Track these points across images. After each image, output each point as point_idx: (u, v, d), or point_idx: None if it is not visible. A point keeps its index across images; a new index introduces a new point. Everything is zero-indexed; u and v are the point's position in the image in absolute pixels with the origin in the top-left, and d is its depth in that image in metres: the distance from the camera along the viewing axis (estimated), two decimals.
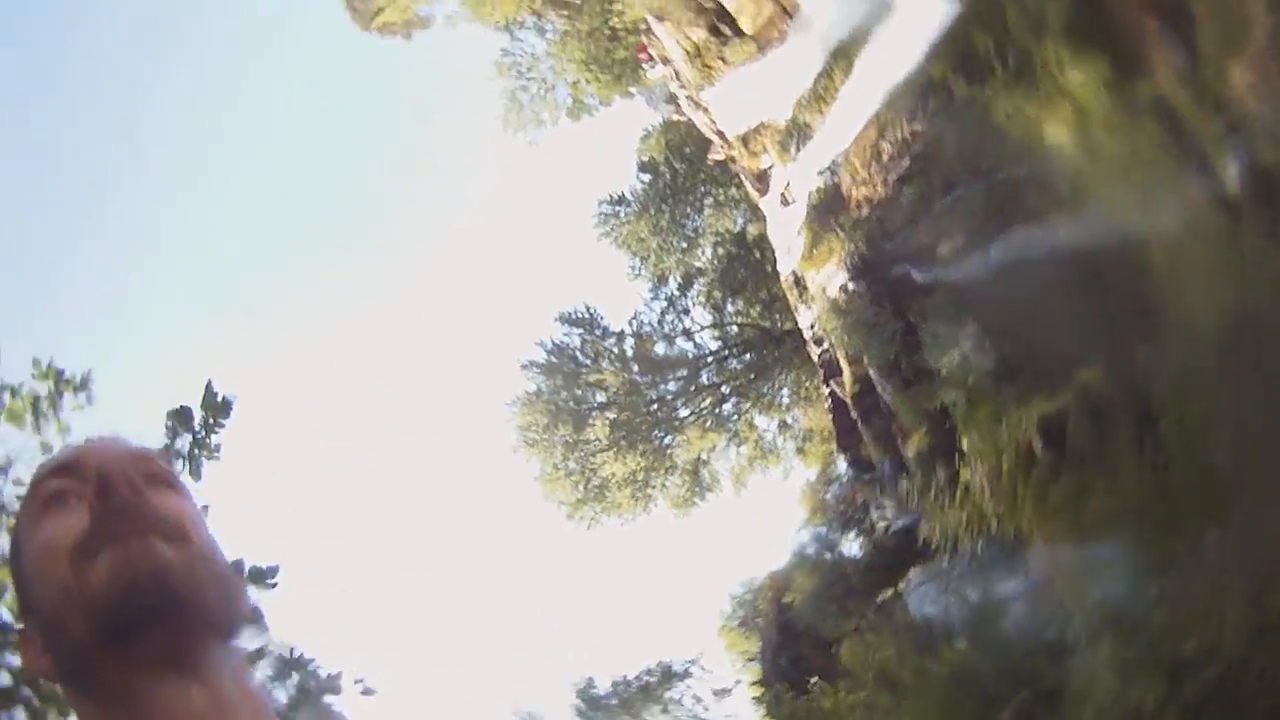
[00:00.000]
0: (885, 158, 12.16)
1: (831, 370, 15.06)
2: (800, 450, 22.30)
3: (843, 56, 12.12)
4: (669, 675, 16.49)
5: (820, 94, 13.91)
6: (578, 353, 24.26)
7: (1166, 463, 8.26)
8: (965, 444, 11.04)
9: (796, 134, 15.26)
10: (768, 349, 21.91)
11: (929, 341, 11.63)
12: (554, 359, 24.18)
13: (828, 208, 13.67)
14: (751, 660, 16.54)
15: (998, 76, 8.47)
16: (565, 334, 24.40)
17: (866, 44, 11.45)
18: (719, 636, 18.65)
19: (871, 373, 13.35)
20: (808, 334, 15.76)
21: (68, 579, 0.88)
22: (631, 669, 17.27)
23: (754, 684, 16.15)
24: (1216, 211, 6.12)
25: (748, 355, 22.88)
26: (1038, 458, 10.70)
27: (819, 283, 14.15)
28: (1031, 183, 8.60)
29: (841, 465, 16.74)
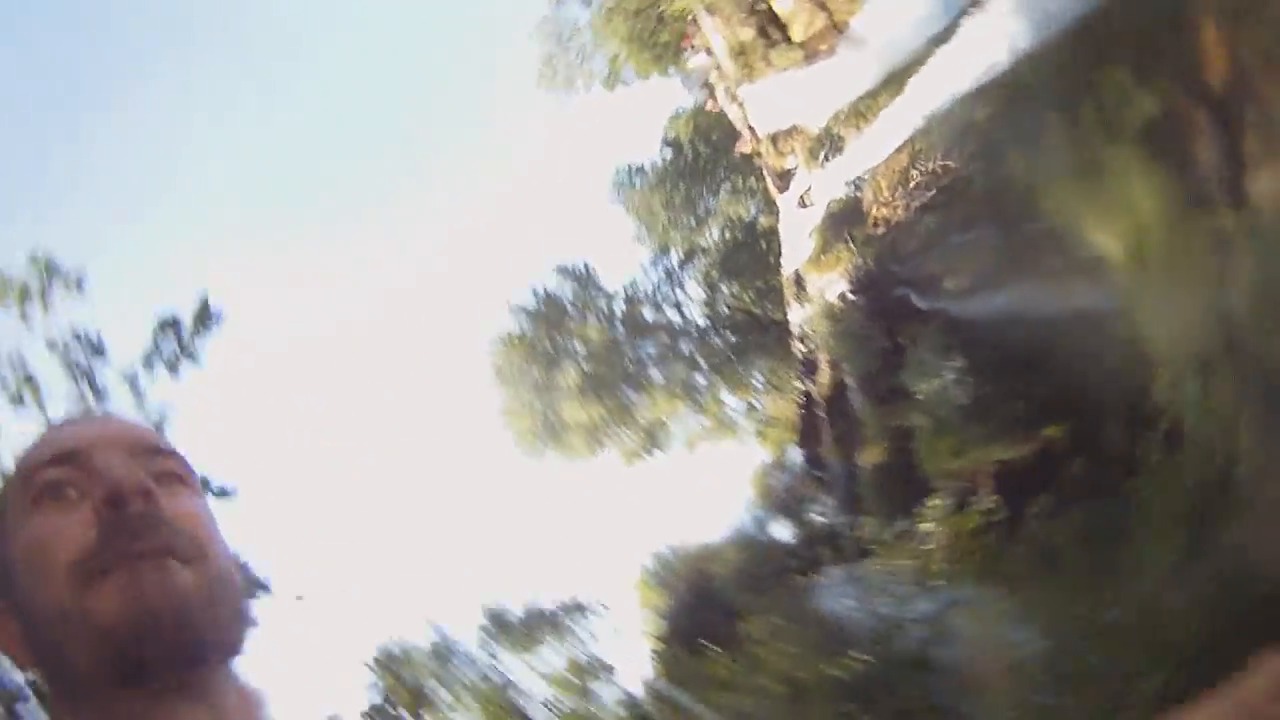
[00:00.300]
0: (912, 184, 12.48)
1: (809, 368, 15.46)
2: (761, 434, 22.71)
3: (895, 80, 12.36)
4: (577, 609, 16.95)
5: (861, 111, 14.16)
6: (568, 304, 24.69)
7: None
8: (923, 465, 11.55)
9: (829, 144, 15.53)
10: (752, 334, 22.24)
11: (913, 365, 12.03)
12: (543, 306, 24.59)
13: (845, 218, 14.01)
14: (660, 617, 16.91)
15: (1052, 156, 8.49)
16: (560, 285, 24.89)
17: (918, 71, 11.67)
18: (635, 588, 19.00)
19: (848, 380, 13.76)
20: (795, 329, 16.14)
21: (67, 600, 0.78)
22: (545, 599, 17.78)
23: (656, 638, 16.45)
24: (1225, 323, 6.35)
25: (732, 336, 23.25)
26: (978, 498, 11.24)
27: (819, 286, 14.52)
28: (1052, 241, 8.90)
29: (796, 457, 17.22)
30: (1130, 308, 7.79)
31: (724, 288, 23.11)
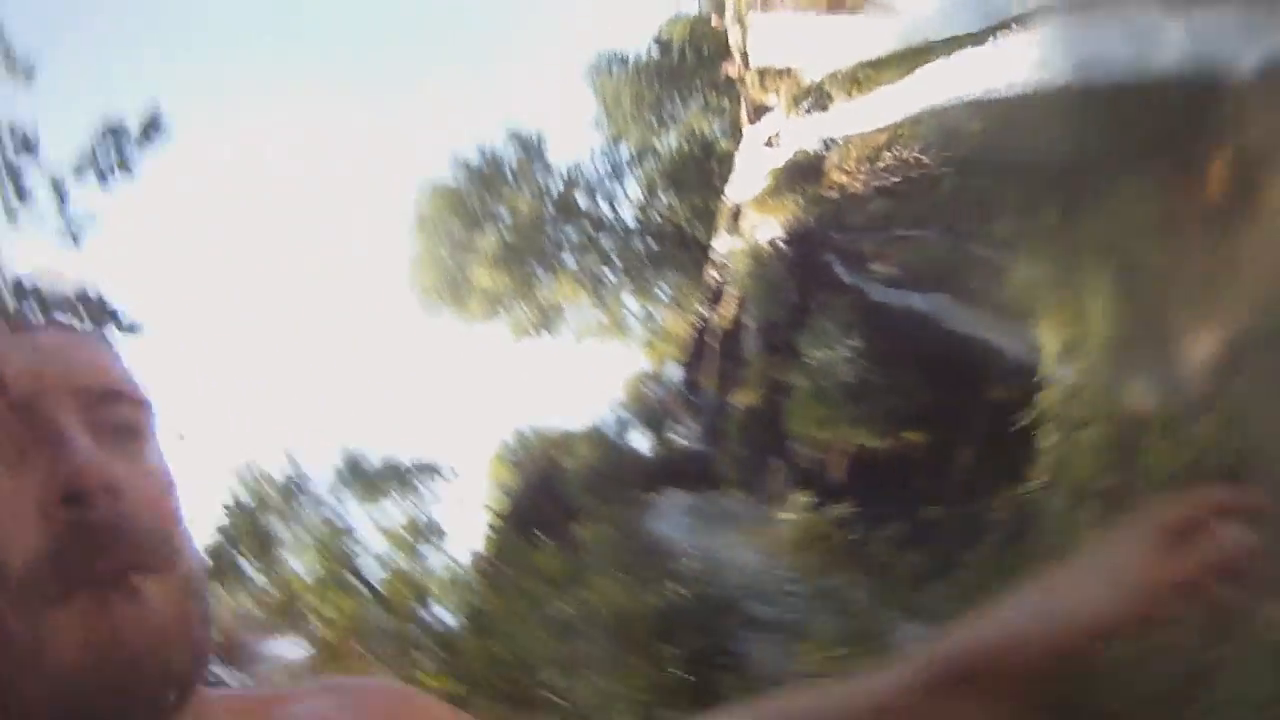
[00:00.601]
0: (879, 164, 12.48)
1: (715, 298, 15.52)
2: (649, 344, 22.80)
3: (906, 61, 12.19)
4: (429, 470, 16.89)
5: (859, 79, 13.96)
6: (509, 169, 24.18)
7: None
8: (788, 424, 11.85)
9: (815, 97, 15.32)
10: (673, 248, 22.13)
11: (814, 329, 12.21)
12: (484, 165, 24.06)
13: (803, 172, 13.92)
14: (505, 495, 17.01)
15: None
16: (507, 148, 24.36)
17: (933, 62, 11.54)
18: (489, 462, 19.04)
19: (747, 321, 13.90)
20: (715, 257, 16.12)
21: (16, 625, 0.60)
22: (403, 454, 17.54)
23: (495, 515, 16.58)
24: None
25: (653, 244, 23.10)
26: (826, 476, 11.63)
27: (755, 224, 14.49)
28: (989, 272, 9.01)
29: (675, 375, 17.38)
30: (1040, 366, 7.97)
31: (662, 196, 22.84)
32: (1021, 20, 9.37)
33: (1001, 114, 9.86)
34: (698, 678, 8.15)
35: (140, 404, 0.69)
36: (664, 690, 8.10)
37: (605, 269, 24.24)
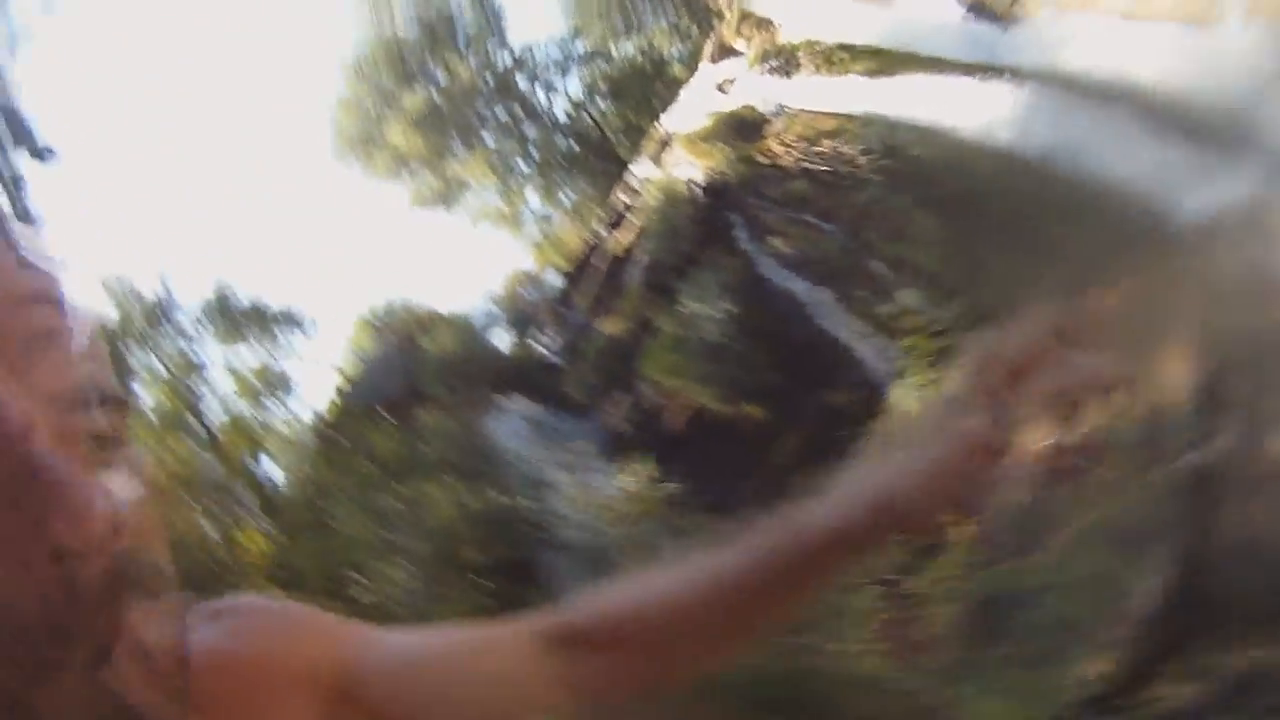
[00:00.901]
0: (816, 149, 12.41)
1: (615, 221, 15.25)
2: (538, 245, 22.46)
3: (883, 62, 12.01)
4: (292, 320, 16.39)
5: (832, 60, 13.73)
6: (464, 31, 23.21)
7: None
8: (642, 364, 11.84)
9: (783, 60, 15.01)
10: (593, 157, 21.58)
11: (696, 282, 12.18)
12: (435, 23, 22.99)
13: (744, 129, 13.69)
14: (359, 361, 16.66)
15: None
16: (463, 11, 23.28)
17: (907, 75, 11.42)
18: (353, 325, 18.54)
19: (639, 254, 13.71)
20: (629, 180, 15.78)
21: (13, 683, 0.53)
22: (271, 299, 17.32)
23: (345, 380, 16.24)
24: None
25: (575, 147, 22.52)
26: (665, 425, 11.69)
27: (678, 160, 14.22)
28: (876, 293, 9.11)
29: (554, 284, 17.10)
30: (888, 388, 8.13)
31: (600, 101, 22.28)
32: (1011, 74, 9.29)
33: (947, 149, 9.88)
34: (501, 588, 8.11)
35: (57, 303, 0.59)
36: (467, 595, 8.03)
37: (520, 159, 23.74)
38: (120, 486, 0.58)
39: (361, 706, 0.80)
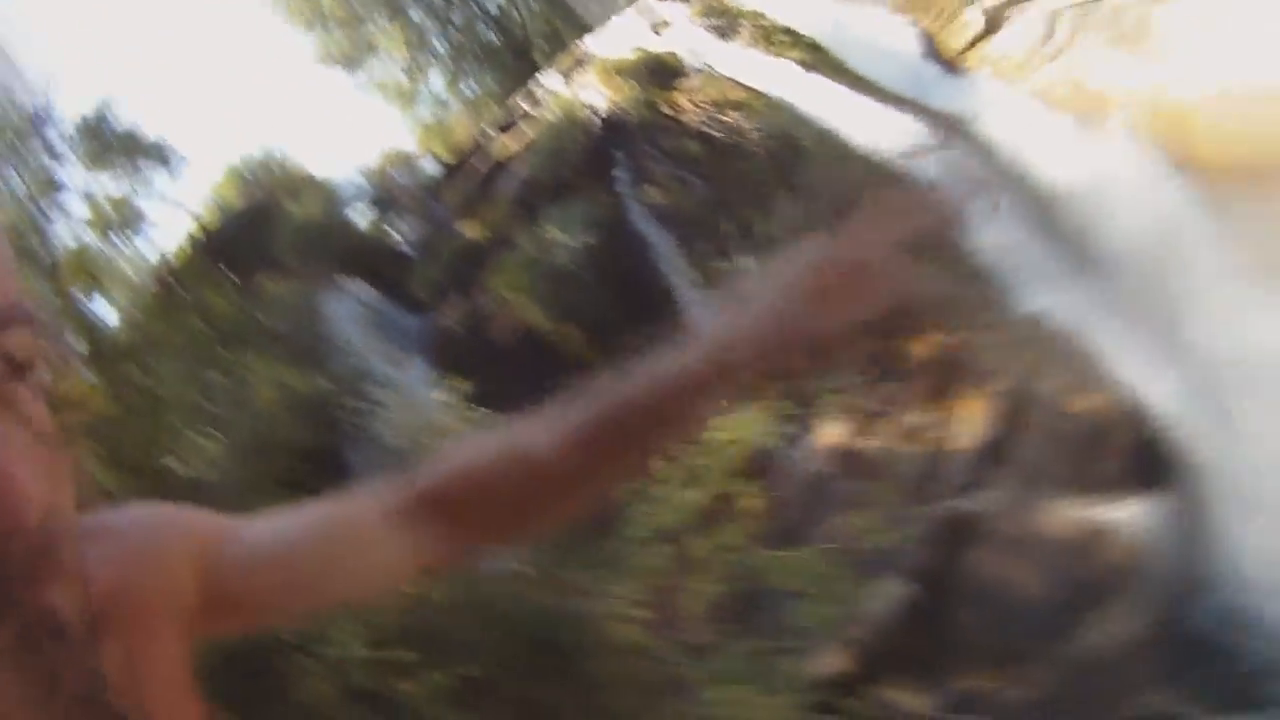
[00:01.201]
0: (719, 116, 12.32)
1: (507, 126, 14.82)
2: (425, 129, 21.75)
3: (824, 58, 11.90)
4: (161, 152, 15.29)
5: (771, 37, 13.52)
6: None
7: None
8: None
9: (725, 23, 14.71)
10: (511, 56, 21.05)
11: (563, 208, 12.03)
12: None
13: (661, 74, 13.42)
14: (218, 210, 15.74)
15: None
16: None
17: (835, 78, 11.37)
18: (222, 171, 17.47)
19: (520, 167, 13.36)
20: (534, 88, 15.30)
21: None
22: (148, 129, 15.48)
23: (199, 226, 15.10)
24: None
25: (495, 39, 21.91)
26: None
27: (587, 85, 13.88)
28: (722, 272, 9.19)
29: (426, 170, 16.55)
30: None
31: (533, 2, 21.67)
32: (930, 117, 9.38)
33: (832, 152, 9.97)
34: (314, 472, 7.79)
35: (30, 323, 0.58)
36: (283, 476, 7.65)
37: (437, 40, 22.92)
38: (30, 420, 0.54)
39: (229, 601, 0.80)
